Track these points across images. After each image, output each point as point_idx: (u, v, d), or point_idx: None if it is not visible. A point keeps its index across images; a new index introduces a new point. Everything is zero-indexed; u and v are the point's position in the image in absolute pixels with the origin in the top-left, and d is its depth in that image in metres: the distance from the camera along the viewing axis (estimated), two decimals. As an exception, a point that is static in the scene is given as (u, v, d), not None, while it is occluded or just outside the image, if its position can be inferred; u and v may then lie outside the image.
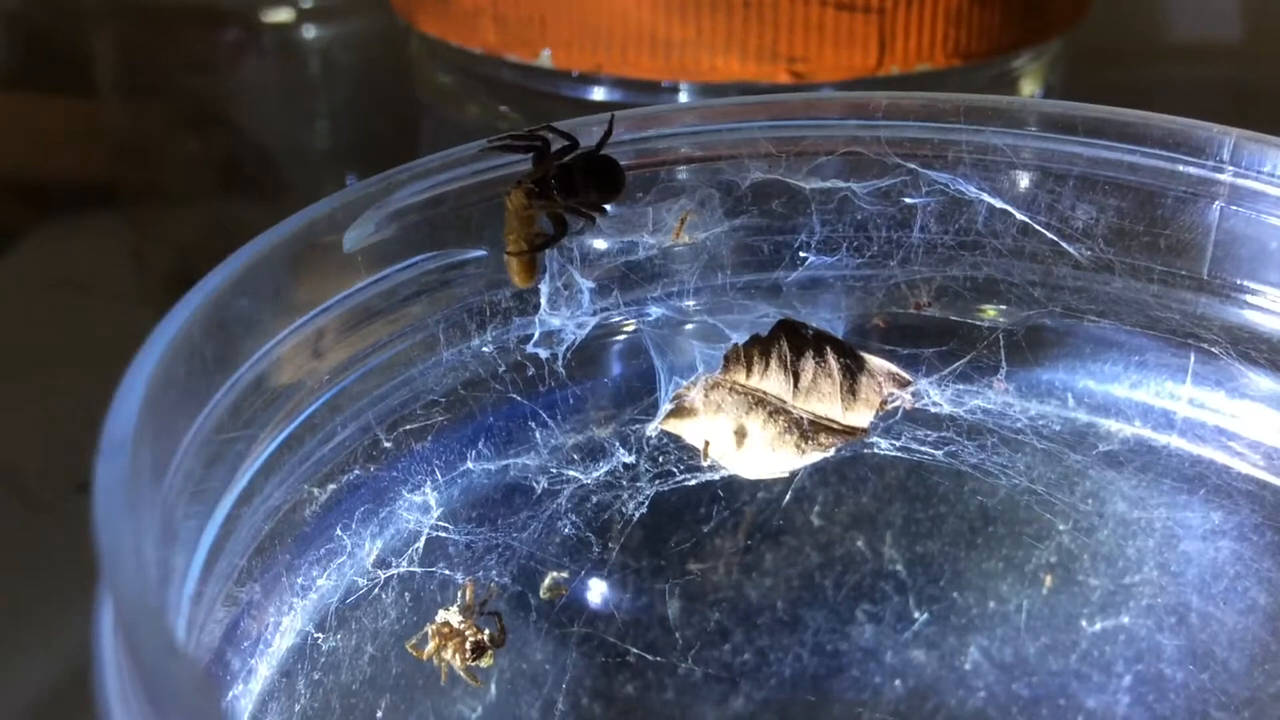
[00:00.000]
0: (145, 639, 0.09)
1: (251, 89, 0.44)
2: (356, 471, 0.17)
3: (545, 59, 0.28)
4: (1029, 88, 0.33)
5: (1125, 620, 0.22)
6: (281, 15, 0.46)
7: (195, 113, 0.43)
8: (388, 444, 0.17)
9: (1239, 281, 0.19)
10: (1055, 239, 0.20)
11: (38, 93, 0.46)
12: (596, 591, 0.21)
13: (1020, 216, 0.20)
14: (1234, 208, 0.19)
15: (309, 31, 0.46)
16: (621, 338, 0.21)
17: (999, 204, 0.20)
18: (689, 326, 0.21)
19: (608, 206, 0.19)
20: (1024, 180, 0.20)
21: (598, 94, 0.29)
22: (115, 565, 0.10)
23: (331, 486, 0.16)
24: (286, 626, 0.17)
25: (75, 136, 0.44)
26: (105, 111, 0.45)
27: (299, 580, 0.17)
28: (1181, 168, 0.19)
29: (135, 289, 0.36)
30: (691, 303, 0.21)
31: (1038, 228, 0.20)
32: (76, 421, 0.28)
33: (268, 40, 0.46)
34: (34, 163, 0.42)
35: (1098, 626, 0.22)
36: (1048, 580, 0.23)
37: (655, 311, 0.21)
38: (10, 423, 0.29)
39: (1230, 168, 0.19)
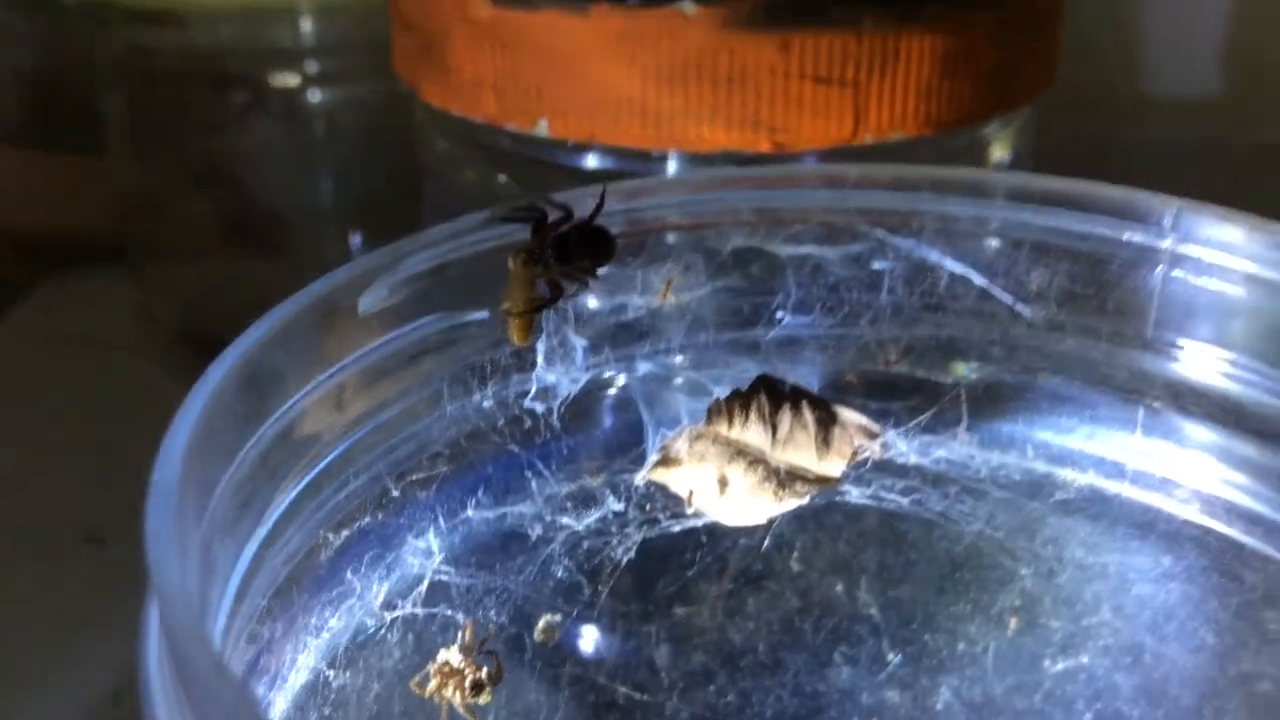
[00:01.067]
0: (197, 664, 0.11)
1: (258, 150, 0.45)
2: (367, 519, 0.18)
3: (542, 128, 0.30)
4: (999, 153, 0.35)
5: (1085, 660, 0.23)
6: (288, 80, 0.47)
7: (203, 172, 0.45)
8: (395, 493, 0.18)
9: (1179, 340, 0.21)
10: (1011, 301, 0.21)
11: (49, 150, 0.47)
12: (587, 633, 0.22)
13: (979, 281, 0.21)
14: (1175, 272, 0.21)
15: (315, 96, 0.47)
16: (612, 392, 0.22)
17: (960, 269, 0.21)
18: (675, 381, 0.22)
19: (600, 271, 0.21)
20: (982, 247, 0.21)
21: (591, 161, 0.31)
22: (168, 598, 0.11)
23: (345, 533, 0.18)
24: (301, 664, 0.18)
25: (85, 193, 0.45)
26: (114, 169, 0.46)
27: (313, 620, 0.18)
28: (1127, 235, 0.21)
29: (142, 344, 0.36)
30: (677, 359, 0.22)
31: (995, 291, 0.21)
32: (85, 474, 0.29)
33: (275, 103, 0.47)
34: (44, 218, 0.43)
35: (1059, 666, 0.23)
36: (1012, 623, 0.24)
37: (644, 367, 0.22)
38: (19, 476, 0.30)
39: (1172, 234, 0.21)
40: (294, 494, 0.17)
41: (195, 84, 0.48)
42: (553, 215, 0.20)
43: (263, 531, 0.16)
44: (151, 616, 0.12)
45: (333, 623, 0.18)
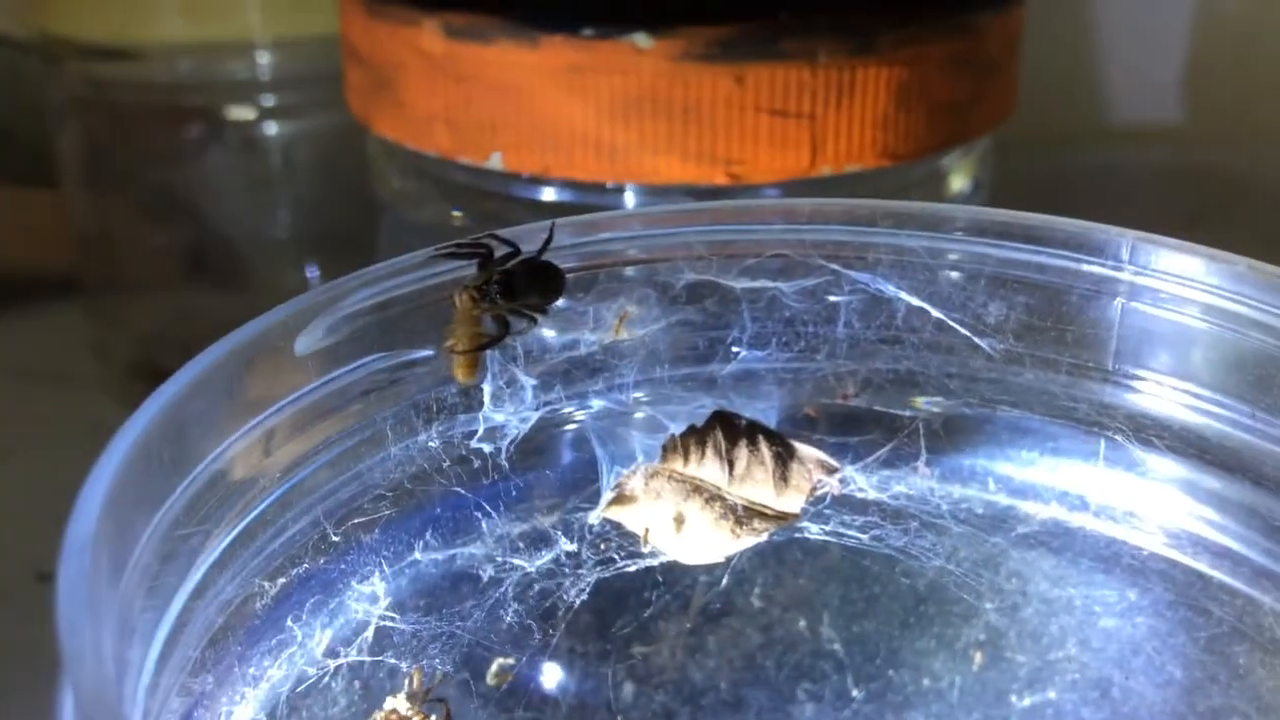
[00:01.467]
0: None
1: (214, 183, 0.45)
2: (306, 565, 0.18)
3: (496, 161, 0.30)
4: (959, 183, 0.35)
5: (1052, 695, 0.23)
6: (245, 113, 0.47)
7: (158, 205, 0.44)
8: (336, 538, 0.18)
9: (1139, 372, 0.21)
10: (969, 334, 0.21)
11: (3, 185, 0.46)
12: (542, 676, 0.22)
13: (936, 313, 0.21)
14: (1134, 304, 0.21)
15: (271, 129, 0.47)
16: (565, 429, 0.22)
17: (916, 302, 0.21)
18: (629, 417, 0.22)
19: (551, 306, 0.20)
20: (938, 279, 0.21)
21: (547, 195, 0.31)
22: (76, 662, 0.11)
23: (281, 580, 0.17)
24: (239, 715, 0.17)
25: (39, 228, 0.44)
26: (70, 204, 0.46)
27: (251, 670, 0.17)
28: (1084, 267, 0.21)
29: (97, 379, 0.36)
30: (631, 395, 0.22)
31: (952, 324, 0.21)
32: (38, 511, 0.28)
33: (230, 136, 0.47)
34: (-1, 254, 0.42)
35: (1026, 702, 0.23)
36: (977, 657, 0.23)
37: (597, 404, 0.22)
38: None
39: (1130, 266, 0.21)
40: (226, 542, 0.16)
41: (151, 118, 0.48)
42: (500, 251, 0.20)
43: (192, 582, 0.15)
44: (65, 684, 0.12)
45: (272, 672, 0.18)
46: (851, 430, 0.22)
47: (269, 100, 0.47)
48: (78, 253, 0.44)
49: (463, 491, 0.20)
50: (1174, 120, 0.52)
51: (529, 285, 0.19)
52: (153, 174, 0.46)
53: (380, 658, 0.19)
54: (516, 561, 0.20)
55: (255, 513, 0.17)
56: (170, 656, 0.15)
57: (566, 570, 0.21)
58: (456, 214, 0.32)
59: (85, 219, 0.46)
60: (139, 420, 0.14)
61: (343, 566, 0.18)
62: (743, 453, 0.21)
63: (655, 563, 0.21)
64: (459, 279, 0.19)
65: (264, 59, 0.47)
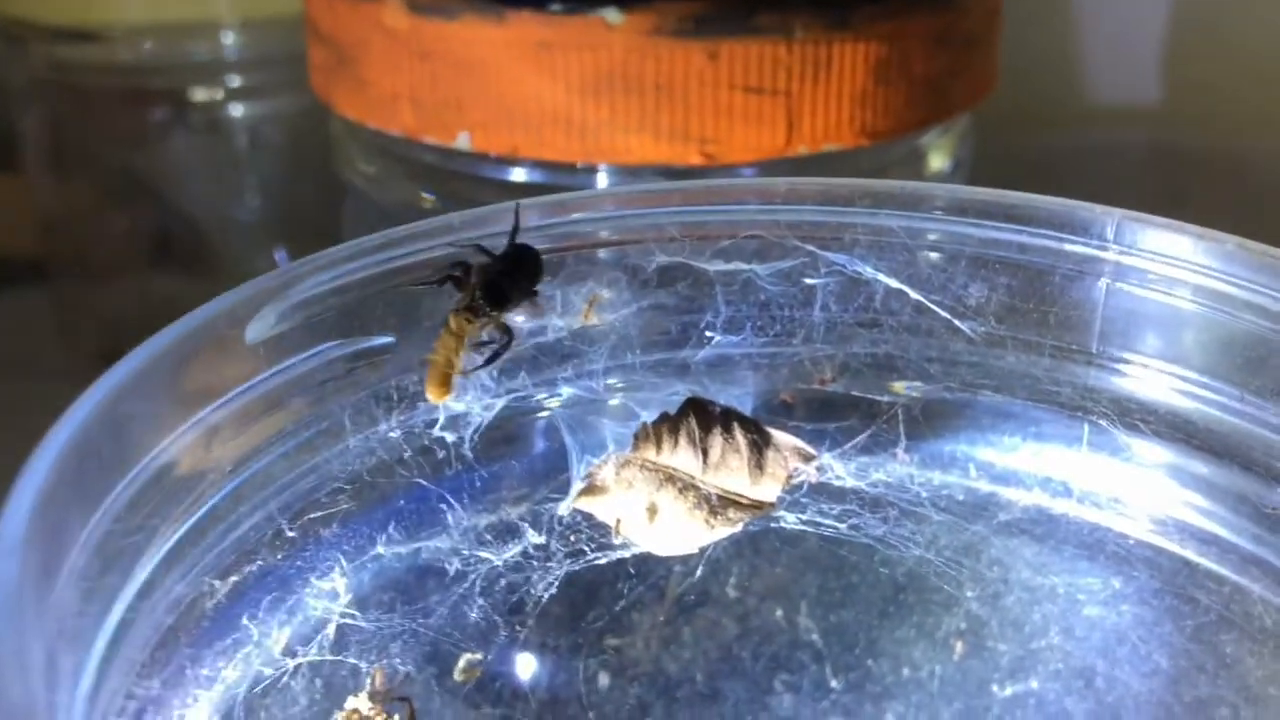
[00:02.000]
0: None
1: (179, 166, 0.45)
2: (261, 561, 0.17)
3: (463, 141, 0.29)
4: (938, 162, 0.34)
5: (1034, 685, 0.23)
6: (210, 94, 0.46)
7: (124, 188, 0.44)
8: (291, 533, 0.17)
9: (1124, 355, 0.20)
10: (949, 317, 0.20)
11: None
12: (512, 671, 0.21)
13: (915, 296, 0.20)
14: (1119, 284, 0.20)
15: (237, 110, 0.46)
16: (533, 418, 0.21)
17: (894, 284, 0.20)
18: (600, 405, 0.21)
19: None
20: (917, 261, 0.20)
21: (517, 175, 0.30)
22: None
23: (234, 578, 0.17)
24: (191, 718, 0.17)
25: (3, 213, 0.44)
26: (34, 188, 0.45)
27: (203, 672, 0.17)
28: (1068, 247, 0.20)
29: (62, 366, 0.35)
30: (602, 382, 0.21)
31: (932, 306, 0.20)
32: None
33: (195, 118, 0.46)
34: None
35: (1008, 691, 0.23)
36: (958, 647, 0.23)
37: (566, 391, 0.21)
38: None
39: (1114, 246, 0.20)
40: (173, 540, 0.15)
41: (115, 100, 0.47)
42: (475, 259, 0.19)
43: (136, 582, 0.14)
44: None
45: (227, 673, 0.17)
46: (829, 416, 0.21)
47: (234, 81, 0.46)
48: (43, 237, 0.43)
49: (425, 483, 0.19)
50: (1154, 100, 0.52)
51: (513, 282, 0.19)
52: (118, 157, 0.45)
53: (341, 657, 0.18)
54: (483, 554, 0.20)
55: (204, 509, 0.16)
56: (113, 660, 0.14)
57: (535, 563, 0.20)
58: (426, 196, 0.31)
59: (50, 203, 0.45)
60: (74, 415, 0.13)
61: (300, 563, 0.18)
62: (717, 440, 0.21)
63: (627, 554, 0.21)
64: (417, 262, 0.18)
65: (229, 40, 0.46)
